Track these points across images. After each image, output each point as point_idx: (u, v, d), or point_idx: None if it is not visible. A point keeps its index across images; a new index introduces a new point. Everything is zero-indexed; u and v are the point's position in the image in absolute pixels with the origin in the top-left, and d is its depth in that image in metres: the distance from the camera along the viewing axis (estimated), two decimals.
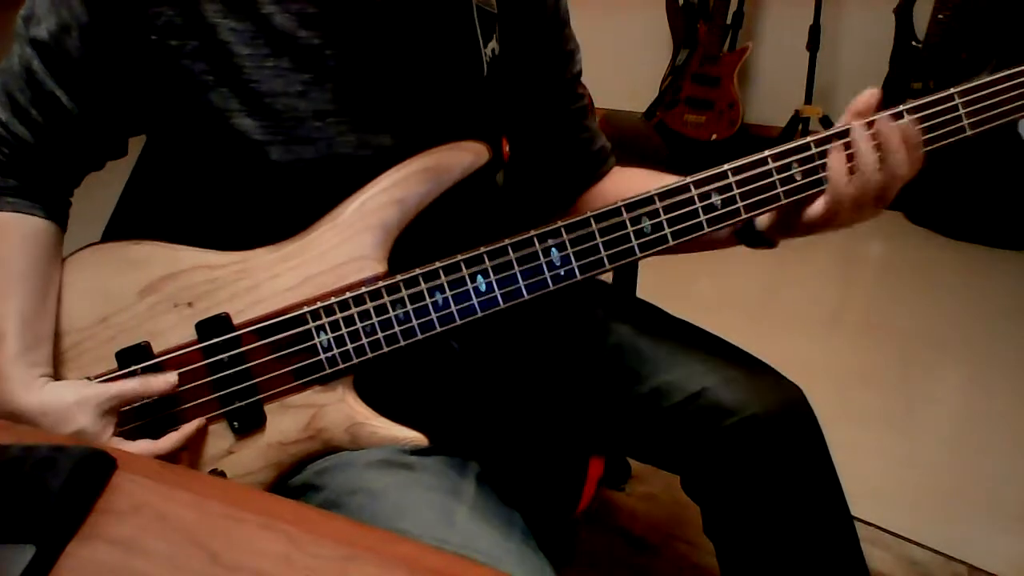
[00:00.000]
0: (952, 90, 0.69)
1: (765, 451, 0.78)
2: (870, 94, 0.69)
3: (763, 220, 0.77)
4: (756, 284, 2.28)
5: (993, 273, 2.33)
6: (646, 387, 0.81)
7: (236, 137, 0.70)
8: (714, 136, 2.87)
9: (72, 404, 0.69)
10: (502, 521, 0.67)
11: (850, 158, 0.68)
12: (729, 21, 2.88)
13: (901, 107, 0.69)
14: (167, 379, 0.72)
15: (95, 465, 0.54)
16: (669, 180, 0.72)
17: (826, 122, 2.79)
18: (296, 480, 0.74)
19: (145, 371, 0.73)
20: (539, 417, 0.88)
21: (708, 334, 0.87)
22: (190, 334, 0.73)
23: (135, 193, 0.96)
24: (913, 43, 2.48)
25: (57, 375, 0.73)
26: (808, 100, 2.81)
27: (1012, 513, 1.49)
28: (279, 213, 0.73)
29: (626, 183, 0.89)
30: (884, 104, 0.70)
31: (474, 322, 0.73)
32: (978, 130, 0.69)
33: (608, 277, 0.96)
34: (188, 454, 0.73)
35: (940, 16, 2.37)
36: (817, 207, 0.72)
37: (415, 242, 0.74)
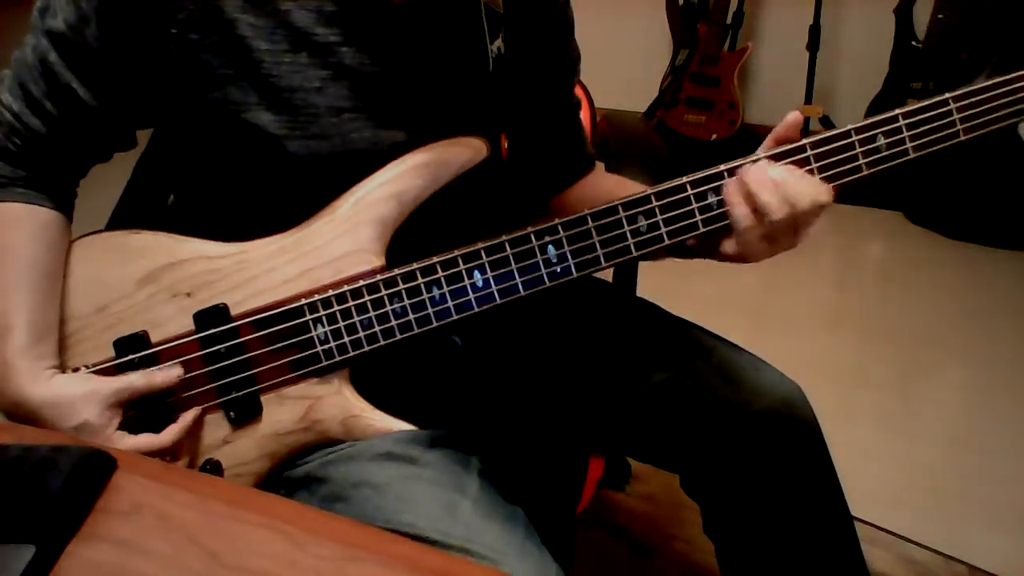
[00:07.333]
0: (947, 95, 0.69)
1: (765, 450, 0.78)
2: (794, 118, 0.70)
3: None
4: (756, 284, 2.28)
5: (993, 273, 2.33)
6: (646, 386, 0.82)
7: (253, 130, 0.71)
8: (714, 136, 2.87)
9: (79, 397, 0.69)
10: (505, 516, 0.67)
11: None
12: (729, 21, 2.88)
13: (897, 111, 0.70)
14: (171, 372, 0.72)
15: (95, 465, 0.54)
16: (638, 188, 0.72)
17: (826, 122, 2.78)
18: (299, 472, 0.75)
19: (143, 360, 0.73)
20: (540, 414, 0.89)
21: (708, 333, 0.87)
22: (188, 324, 0.73)
23: (141, 183, 0.96)
24: (913, 43, 2.48)
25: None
26: (808, 100, 2.80)
27: (1012, 513, 1.49)
28: (292, 206, 0.73)
29: (599, 187, 0.92)
30: (884, 105, 0.71)
31: (476, 318, 0.73)
32: (972, 135, 0.70)
33: (608, 276, 0.96)
34: (184, 444, 0.73)
35: (940, 16, 2.37)
36: (728, 245, 0.71)
37: (413, 236, 0.74)
